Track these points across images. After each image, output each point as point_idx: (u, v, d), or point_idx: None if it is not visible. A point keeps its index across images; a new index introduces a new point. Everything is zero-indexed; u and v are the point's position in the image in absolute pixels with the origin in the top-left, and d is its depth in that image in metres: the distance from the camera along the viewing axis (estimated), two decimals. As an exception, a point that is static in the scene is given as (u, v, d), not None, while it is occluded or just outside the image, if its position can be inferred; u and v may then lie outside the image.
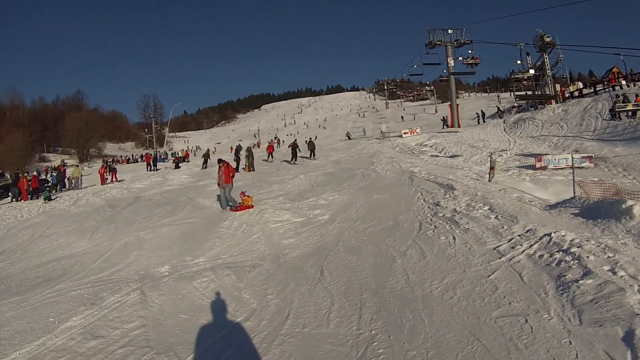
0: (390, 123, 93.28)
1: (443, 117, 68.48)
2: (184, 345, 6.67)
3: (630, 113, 32.70)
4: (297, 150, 38.85)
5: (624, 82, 41.33)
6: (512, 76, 53.68)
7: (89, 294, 9.12)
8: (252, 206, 16.63)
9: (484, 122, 58.12)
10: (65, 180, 36.04)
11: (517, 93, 49.30)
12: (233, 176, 18.30)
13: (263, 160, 41.12)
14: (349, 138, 73.39)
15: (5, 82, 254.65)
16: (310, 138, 47.58)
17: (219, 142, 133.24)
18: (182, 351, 6.49)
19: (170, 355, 6.40)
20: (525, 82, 53.35)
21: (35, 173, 35.42)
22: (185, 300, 8.59)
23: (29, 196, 29.94)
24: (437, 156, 29.41)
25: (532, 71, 49.01)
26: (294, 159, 37.75)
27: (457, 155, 27.54)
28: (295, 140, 45.78)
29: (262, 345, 6.45)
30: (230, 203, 17.34)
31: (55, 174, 37.21)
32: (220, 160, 18.95)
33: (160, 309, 8.20)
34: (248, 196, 17.27)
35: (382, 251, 10.31)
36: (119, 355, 6.49)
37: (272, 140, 70.92)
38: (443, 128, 58.34)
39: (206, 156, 42.94)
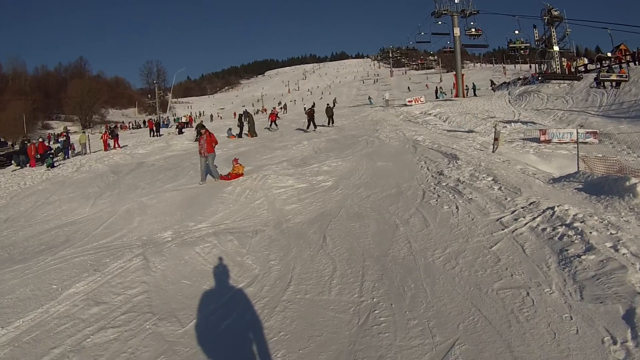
0: (394, 91, 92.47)
1: (437, 87, 69.00)
2: (186, 311, 6.70)
3: (614, 83, 33.17)
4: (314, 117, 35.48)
5: (609, 53, 41.90)
6: (509, 45, 53.60)
7: (92, 260, 9.15)
8: (242, 174, 16.50)
9: (475, 95, 57.91)
10: (69, 147, 36.17)
11: (541, 72, 45.74)
12: (216, 144, 17.41)
13: (265, 128, 39.10)
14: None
15: (7, 50, 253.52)
16: (328, 104, 44.10)
17: (222, 107, 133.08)
18: (184, 317, 6.52)
19: (172, 321, 6.42)
20: (522, 51, 53.32)
21: (41, 139, 35.52)
22: (188, 265, 8.62)
23: (37, 163, 30.07)
24: (455, 131, 28.87)
25: (556, 47, 47.86)
26: (312, 127, 34.53)
27: (474, 131, 27.07)
28: (313, 105, 42.84)
29: (264, 312, 6.48)
30: (212, 174, 16.74)
31: (63, 140, 37.44)
32: (202, 127, 18.41)
33: (163, 274, 8.24)
34: (240, 164, 17.11)
35: (384, 219, 10.34)
36: (122, 321, 6.52)
37: (274, 107, 68.63)
38: (437, 98, 58.48)
39: (199, 127, 37.39)
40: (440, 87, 71.95)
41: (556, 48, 47.17)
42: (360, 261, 7.98)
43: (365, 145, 22.66)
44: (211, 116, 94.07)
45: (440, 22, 56.33)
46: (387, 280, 7.00)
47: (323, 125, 35.90)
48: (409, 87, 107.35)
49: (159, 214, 12.74)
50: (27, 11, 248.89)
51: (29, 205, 16.74)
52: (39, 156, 30.62)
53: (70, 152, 35.74)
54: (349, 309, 6.29)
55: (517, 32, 52.07)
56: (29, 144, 32.33)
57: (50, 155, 29.58)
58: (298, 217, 11.39)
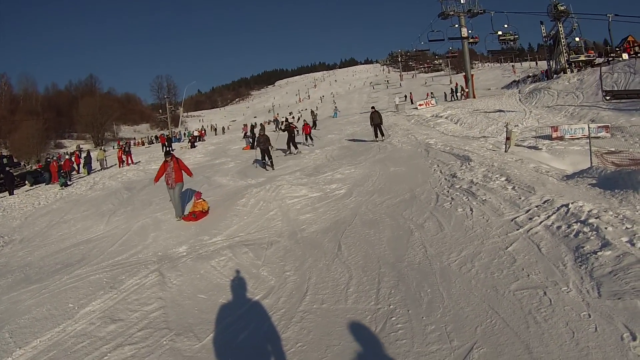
0: (404, 95, 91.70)
1: (430, 93, 70.04)
2: (203, 325, 6.73)
3: (582, 64, 33.97)
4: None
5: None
6: (500, 38, 54.62)
7: (107, 277, 9.22)
8: (207, 212, 14.14)
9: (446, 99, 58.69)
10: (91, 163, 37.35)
11: (605, 88, 39.95)
12: (186, 172, 14.96)
13: (301, 144, 31.05)
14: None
15: (18, 70, 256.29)
16: (373, 107, 31.54)
17: (234, 119, 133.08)
18: (201, 331, 6.54)
19: (189, 335, 6.44)
20: (512, 43, 54.60)
21: (67, 157, 36.88)
22: (204, 279, 8.65)
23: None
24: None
25: (563, 42, 48.55)
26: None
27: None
28: (287, 120, 34.69)
29: (281, 323, 6.49)
30: (175, 209, 14.26)
31: (84, 156, 38.98)
32: (167, 154, 15.03)
33: (179, 289, 8.27)
34: (203, 200, 14.57)
35: (399, 224, 10.29)
36: (139, 337, 6.55)
37: (292, 120, 59.21)
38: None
39: (259, 133, 24.70)
40: (431, 92, 72.44)
41: (563, 42, 47.66)
42: (376, 268, 7.96)
43: (377, 151, 22.54)
44: (223, 129, 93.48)
45: (456, 25, 56.65)
46: (404, 287, 6.98)
47: (363, 140, 28.75)
48: (405, 95, 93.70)
49: (173, 229, 12.78)
50: (35, 30, 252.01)
51: (43, 225, 16.86)
52: (64, 173, 31.17)
53: (92, 167, 36.97)
54: (365, 317, 6.27)
55: (506, 25, 54.11)
56: (51, 161, 33.06)
57: (63, 175, 29.79)
58: (312, 227, 11.38)
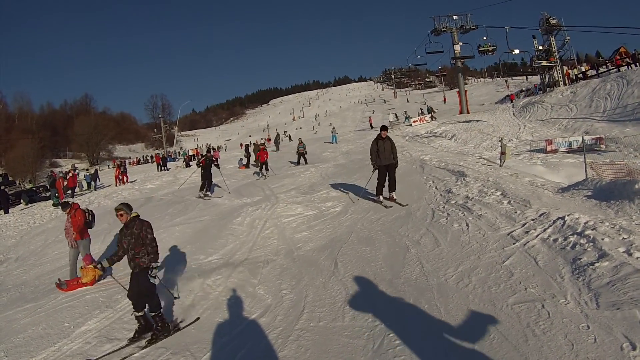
0: (398, 112, 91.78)
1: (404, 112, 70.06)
2: (199, 345, 6.70)
3: (547, 69, 35.34)
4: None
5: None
6: (479, 49, 54.66)
7: (103, 297, 9.20)
8: (92, 283, 10.30)
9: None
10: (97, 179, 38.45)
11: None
12: (89, 226, 11.77)
13: (255, 174, 28.89)
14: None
15: (13, 89, 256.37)
16: (385, 127, 15.57)
17: (228, 138, 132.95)
18: (198, 350, 6.52)
19: (186, 355, 6.42)
20: (490, 53, 54.60)
21: (70, 175, 37.12)
22: (200, 299, 8.58)
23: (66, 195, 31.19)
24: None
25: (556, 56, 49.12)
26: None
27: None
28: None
29: (278, 341, 6.47)
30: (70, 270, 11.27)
31: (89, 174, 39.91)
32: (64, 205, 11.95)
33: (175, 308, 8.19)
34: (94, 266, 9.15)
35: (395, 241, 10.27)
36: (135, 358, 6.51)
37: (262, 142, 48.02)
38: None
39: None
40: (405, 112, 72.32)
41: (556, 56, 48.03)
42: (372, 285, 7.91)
43: (372, 168, 22.44)
44: (218, 148, 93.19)
45: (461, 43, 57.09)
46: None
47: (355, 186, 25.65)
48: (392, 119, 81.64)
49: (169, 248, 12.70)
50: (30, 49, 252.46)
51: (39, 244, 16.75)
52: (68, 188, 32.20)
53: (98, 183, 37.89)
54: (363, 334, 6.26)
55: (484, 38, 54.85)
56: (57, 178, 33.16)
57: (57, 195, 29.73)
58: (309, 245, 11.39)
